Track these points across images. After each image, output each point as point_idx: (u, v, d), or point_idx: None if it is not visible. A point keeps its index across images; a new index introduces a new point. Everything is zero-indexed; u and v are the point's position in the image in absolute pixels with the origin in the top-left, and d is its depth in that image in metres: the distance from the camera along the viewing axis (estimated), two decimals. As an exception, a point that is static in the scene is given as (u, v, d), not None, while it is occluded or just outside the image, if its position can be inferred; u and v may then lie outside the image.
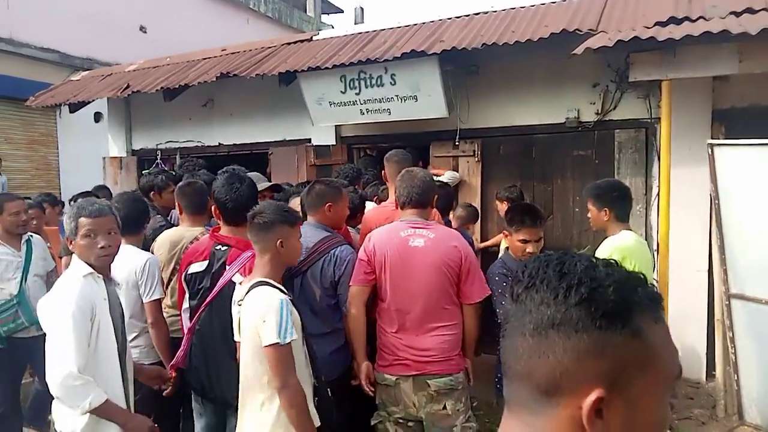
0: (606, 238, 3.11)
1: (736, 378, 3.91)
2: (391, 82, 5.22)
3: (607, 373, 0.66)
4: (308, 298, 2.83)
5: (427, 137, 5.72)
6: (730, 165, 3.83)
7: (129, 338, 2.71)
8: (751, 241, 3.78)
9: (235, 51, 6.84)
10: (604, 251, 2.95)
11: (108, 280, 2.39)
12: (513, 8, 5.32)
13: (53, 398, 2.22)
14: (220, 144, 7.17)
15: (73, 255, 2.36)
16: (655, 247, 4.41)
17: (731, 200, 3.85)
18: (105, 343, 2.31)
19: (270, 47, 6.52)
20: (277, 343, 2.07)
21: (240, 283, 2.45)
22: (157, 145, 7.63)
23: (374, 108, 5.46)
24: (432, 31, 5.29)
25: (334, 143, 6.25)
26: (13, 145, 10.72)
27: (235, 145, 7.06)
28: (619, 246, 2.97)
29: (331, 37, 6.26)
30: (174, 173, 4.86)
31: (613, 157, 5.02)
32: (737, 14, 3.91)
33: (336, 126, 6.14)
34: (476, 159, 5.53)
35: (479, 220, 5.25)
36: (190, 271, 2.80)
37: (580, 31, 4.30)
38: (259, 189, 3.20)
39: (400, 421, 2.70)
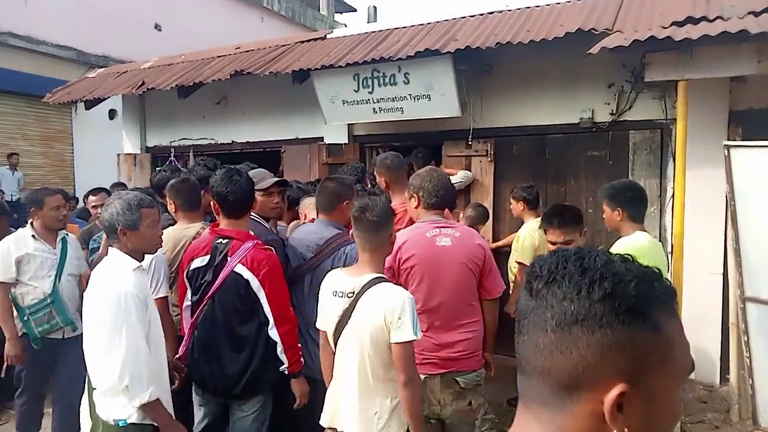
0: (620, 238, 3.09)
1: (750, 382, 3.86)
2: (404, 81, 5.22)
3: (628, 368, 0.67)
4: (317, 295, 2.85)
5: (440, 136, 5.71)
6: (747, 166, 3.79)
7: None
8: (767, 244, 3.74)
9: (249, 49, 6.87)
10: (617, 252, 2.92)
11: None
12: (528, 7, 5.29)
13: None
14: (233, 142, 7.21)
15: (113, 248, 2.36)
16: (669, 250, 4.37)
17: (747, 202, 3.81)
18: (156, 337, 2.34)
19: (284, 45, 6.54)
20: (413, 339, 2.13)
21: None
22: (170, 142, 7.68)
23: (387, 107, 5.45)
24: (446, 30, 5.28)
25: (347, 142, 6.26)
26: (29, 141, 10.87)
27: (248, 143, 7.10)
28: (632, 246, 2.95)
29: (345, 36, 6.26)
30: (187, 171, 4.88)
31: (627, 158, 4.98)
32: (756, 14, 3.85)
33: (348, 125, 6.15)
34: (489, 159, 5.51)
35: (491, 221, 5.23)
36: (192, 267, 2.82)
37: (596, 30, 4.27)
38: (268, 185, 3.19)
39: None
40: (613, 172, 4.93)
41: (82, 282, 3.72)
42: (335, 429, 2.33)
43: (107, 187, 5.38)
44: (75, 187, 11.01)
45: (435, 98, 5.16)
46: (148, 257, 2.96)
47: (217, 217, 2.90)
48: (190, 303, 2.85)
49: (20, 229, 3.72)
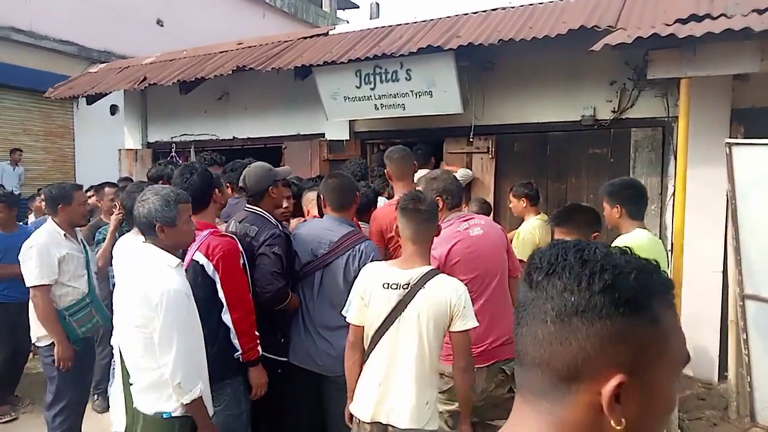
0: (619, 236, 3.09)
1: (748, 379, 3.87)
2: (406, 78, 5.22)
3: (626, 359, 0.67)
4: (328, 292, 2.87)
5: (442, 133, 5.71)
6: (748, 165, 3.79)
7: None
8: (767, 242, 3.74)
9: (251, 45, 6.87)
10: (615, 247, 2.92)
11: None
12: (531, 4, 5.28)
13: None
14: (234, 138, 7.21)
15: (146, 244, 2.33)
16: (669, 248, 4.37)
17: (748, 201, 3.81)
18: (198, 334, 2.34)
19: (286, 41, 6.54)
20: (474, 326, 2.26)
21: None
22: (172, 137, 7.69)
23: (389, 103, 5.45)
24: (448, 27, 5.28)
25: (348, 138, 6.26)
26: (32, 136, 10.87)
27: (249, 138, 7.10)
28: (631, 244, 2.90)
29: (347, 32, 6.26)
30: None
31: (628, 156, 4.98)
32: (760, 12, 3.84)
33: (350, 121, 6.15)
34: (490, 156, 5.51)
35: (491, 218, 5.23)
36: None
37: (599, 27, 4.26)
38: (286, 177, 3.27)
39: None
40: (614, 169, 4.93)
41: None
42: (378, 423, 2.28)
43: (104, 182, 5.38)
44: (76, 182, 11.00)
45: (437, 95, 5.16)
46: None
47: None
48: None
49: (45, 228, 3.53)
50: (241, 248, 2.81)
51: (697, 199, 4.32)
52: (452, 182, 2.91)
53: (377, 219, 3.30)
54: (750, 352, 3.84)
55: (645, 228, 3.11)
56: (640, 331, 0.68)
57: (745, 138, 4.46)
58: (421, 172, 4.01)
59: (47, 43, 10.59)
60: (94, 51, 11.30)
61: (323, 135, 6.42)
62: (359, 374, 2.38)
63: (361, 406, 2.33)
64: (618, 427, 0.67)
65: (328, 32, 6.54)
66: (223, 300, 2.64)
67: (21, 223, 5.02)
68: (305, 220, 3.52)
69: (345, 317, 2.46)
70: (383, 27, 5.97)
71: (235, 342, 2.65)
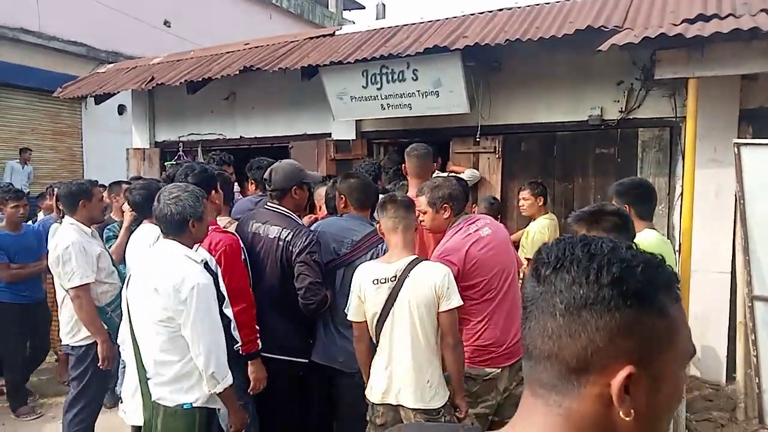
0: (627, 236, 3.08)
1: (757, 381, 3.85)
2: (412, 78, 5.22)
3: (635, 351, 0.68)
4: (349, 290, 2.86)
5: (448, 133, 5.71)
6: (757, 165, 3.77)
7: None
8: (776, 243, 3.72)
9: (258, 45, 6.89)
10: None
11: None
12: (538, 4, 5.27)
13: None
14: (241, 137, 7.24)
15: (166, 239, 2.37)
16: (677, 248, 4.35)
17: (757, 201, 3.79)
18: (221, 328, 2.40)
19: (293, 41, 6.55)
20: (459, 305, 2.41)
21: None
22: (179, 137, 7.72)
23: (395, 103, 5.46)
24: (455, 27, 5.28)
25: (354, 138, 6.27)
26: (40, 135, 10.96)
27: (256, 138, 7.12)
28: (640, 243, 2.92)
29: (354, 32, 6.27)
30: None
31: (636, 156, 4.96)
32: (768, 12, 3.83)
33: (356, 121, 6.16)
34: (497, 156, 5.51)
35: (498, 218, 5.22)
36: None
37: (606, 27, 4.25)
38: (315, 182, 3.49)
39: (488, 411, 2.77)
40: (621, 170, 4.91)
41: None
42: (389, 404, 2.48)
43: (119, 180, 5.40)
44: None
45: (443, 95, 5.16)
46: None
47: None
48: None
49: (69, 227, 3.40)
50: (242, 245, 2.89)
51: (704, 199, 4.30)
52: (455, 187, 2.89)
53: None
54: (759, 353, 3.82)
55: (654, 228, 3.10)
56: (648, 322, 0.69)
57: (753, 138, 4.44)
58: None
59: (56, 44, 10.68)
60: (102, 52, 11.38)
61: (330, 135, 6.43)
62: (370, 363, 2.57)
63: (373, 389, 2.53)
64: (627, 419, 0.67)
65: (334, 33, 6.55)
66: (224, 292, 2.67)
67: (28, 222, 5.03)
68: (317, 218, 3.54)
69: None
70: (390, 27, 5.98)
71: (236, 334, 2.69)
